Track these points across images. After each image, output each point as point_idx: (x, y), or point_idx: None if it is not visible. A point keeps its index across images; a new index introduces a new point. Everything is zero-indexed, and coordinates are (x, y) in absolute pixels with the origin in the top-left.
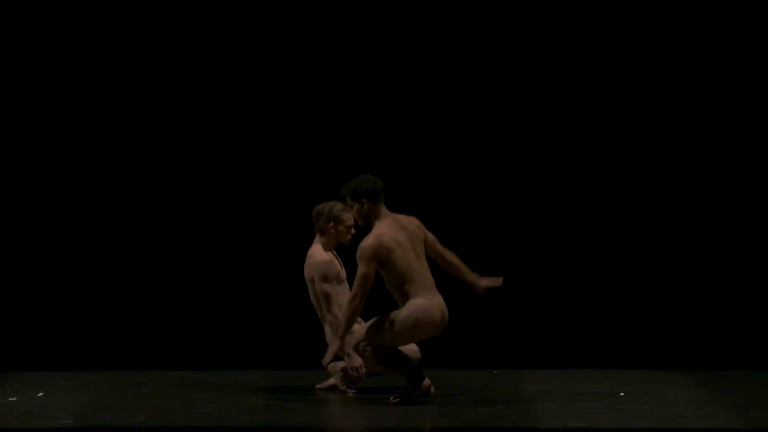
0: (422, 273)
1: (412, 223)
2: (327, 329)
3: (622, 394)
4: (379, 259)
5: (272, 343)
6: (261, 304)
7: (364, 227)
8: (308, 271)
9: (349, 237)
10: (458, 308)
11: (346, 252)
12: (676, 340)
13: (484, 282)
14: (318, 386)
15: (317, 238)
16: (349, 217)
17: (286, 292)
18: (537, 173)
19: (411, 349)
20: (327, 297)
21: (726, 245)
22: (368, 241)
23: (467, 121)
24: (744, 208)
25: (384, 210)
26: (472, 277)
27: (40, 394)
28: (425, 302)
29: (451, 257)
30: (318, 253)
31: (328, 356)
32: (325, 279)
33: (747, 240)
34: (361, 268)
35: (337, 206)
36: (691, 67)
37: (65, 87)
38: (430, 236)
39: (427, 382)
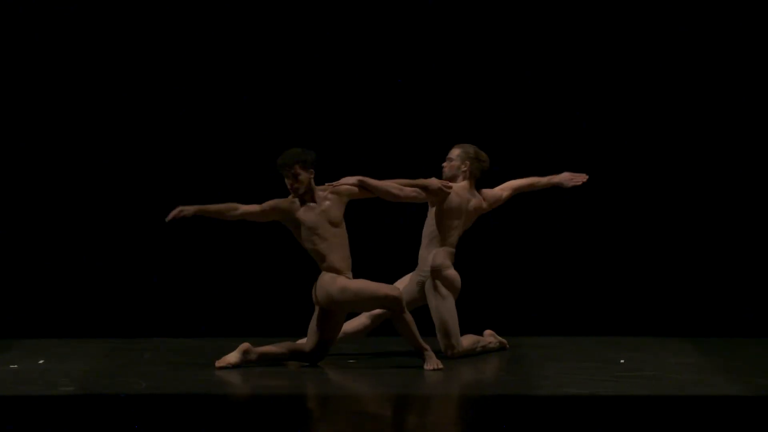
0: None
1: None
2: None
3: (623, 361)
4: None
5: (273, 310)
6: (261, 273)
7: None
8: None
9: None
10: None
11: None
12: (679, 307)
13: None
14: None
15: None
16: None
17: (285, 260)
18: (540, 143)
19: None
20: None
21: (731, 209)
22: None
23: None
24: (753, 175)
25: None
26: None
27: (41, 362)
28: None
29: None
30: None
31: None
32: None
33: (754, 205)
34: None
35: None
36: (689, 56)
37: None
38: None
39: None
